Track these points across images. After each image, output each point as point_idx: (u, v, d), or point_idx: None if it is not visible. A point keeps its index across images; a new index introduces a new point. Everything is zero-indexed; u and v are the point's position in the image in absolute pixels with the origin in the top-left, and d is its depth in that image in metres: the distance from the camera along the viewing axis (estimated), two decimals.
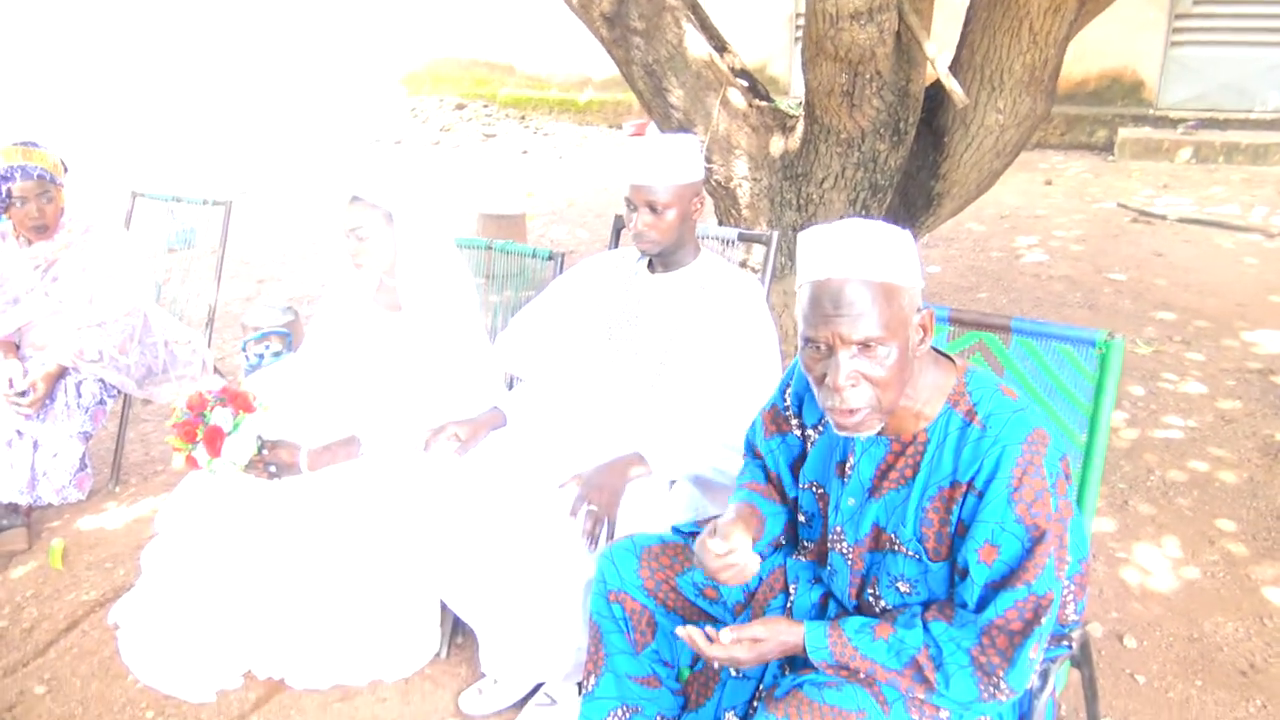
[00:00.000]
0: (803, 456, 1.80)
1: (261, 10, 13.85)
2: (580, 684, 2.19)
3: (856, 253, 1.44)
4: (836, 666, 1.55)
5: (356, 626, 2.43)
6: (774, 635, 1.61)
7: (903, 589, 1.62)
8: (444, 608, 2.50)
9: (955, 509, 1.51)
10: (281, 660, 2.44)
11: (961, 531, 1.50)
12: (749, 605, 1.87)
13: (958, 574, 1.52)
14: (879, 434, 1.57)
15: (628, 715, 1.92)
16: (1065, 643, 1.74)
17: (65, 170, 3.21)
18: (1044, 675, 1.64)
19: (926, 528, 1.55)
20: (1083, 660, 1.97)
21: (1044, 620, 1.44)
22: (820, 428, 1.76)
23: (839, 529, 1.69)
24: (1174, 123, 9.07)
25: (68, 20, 14.10)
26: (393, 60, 13.68)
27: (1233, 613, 2.66)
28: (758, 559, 1.68)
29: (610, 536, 2.08)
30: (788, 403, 1.82)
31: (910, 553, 1.58)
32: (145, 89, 14.08)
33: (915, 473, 1.56)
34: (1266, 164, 8.27)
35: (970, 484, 1.48)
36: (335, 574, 2.41)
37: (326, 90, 13.64)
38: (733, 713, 1.70)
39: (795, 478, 1.83)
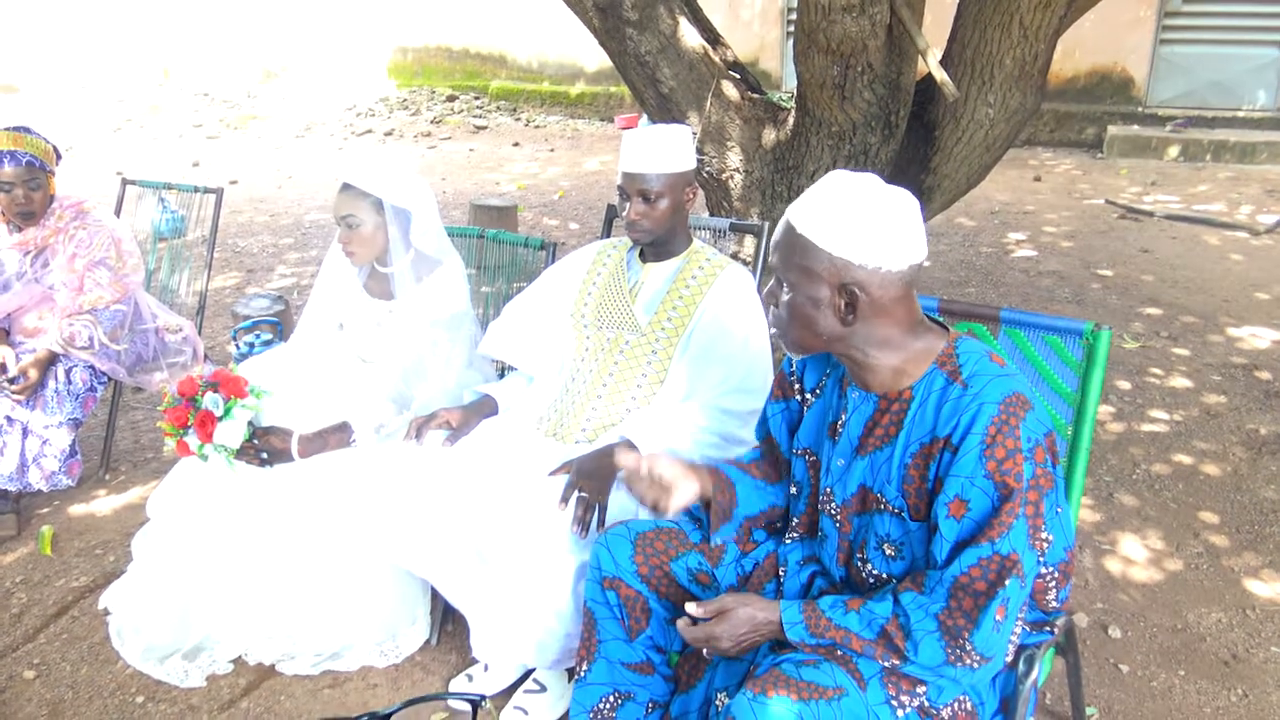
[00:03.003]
0: (801, 423, 1.83)
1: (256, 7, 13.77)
2: (570, 671, 2.21)
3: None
4: (814, 645, 1.57)
5: (347, 613, 2.44)
6: (742, 606, 1.65)
7: (888, 552, 1.65)
8: (434, 595, 2.51)
9: (933, 465, 1.55)
10: (272, 646, 2.45)
11: (938, 488, 1.53)
12: (742, 589, 1.88)
13: (931, 531, 1.55)
14: (869, 391, 1.63)
15: (620, 701, 1.93)
16: (1049, 629, 1.76)
17: (58, 158, 3.20)
18: (1029, 661, 1.66)
19: (908, 485, 1.59)
20: (1067, 648, 2.00)
21: (1008, 582, 1.45)
22: (818, 391, 1.80)
23: (828, 490, 1.73)
24: (1162, 120, 9.13)
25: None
26: (383, 52, 13.63)
27: (1216, 603, 2.69)
28: (694, 488, 1.81)
29: (601, 524, 2.09)
30: (793, 367, 1.86)
31: (895, 510, 1.61)
32: (136, 74, 14.01)
33: (899, 430, 1.60)
34: (1253, 162, 8.33)
35: (947, 440, 1.52)
36: (326, 560, 2.42)
37: (316, 82, 13.58)
38: (724, 694, 1.72)
39: (792, 443, 1.86)
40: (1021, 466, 1.46)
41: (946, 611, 1.49)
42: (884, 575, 1.67)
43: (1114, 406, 3.88)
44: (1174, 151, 8.63)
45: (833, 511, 1.73)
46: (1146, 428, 3.71)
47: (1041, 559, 1.54)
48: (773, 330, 1.66)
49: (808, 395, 1.83)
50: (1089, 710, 2.27)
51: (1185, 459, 3.47)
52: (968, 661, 1.49)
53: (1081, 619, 2.61)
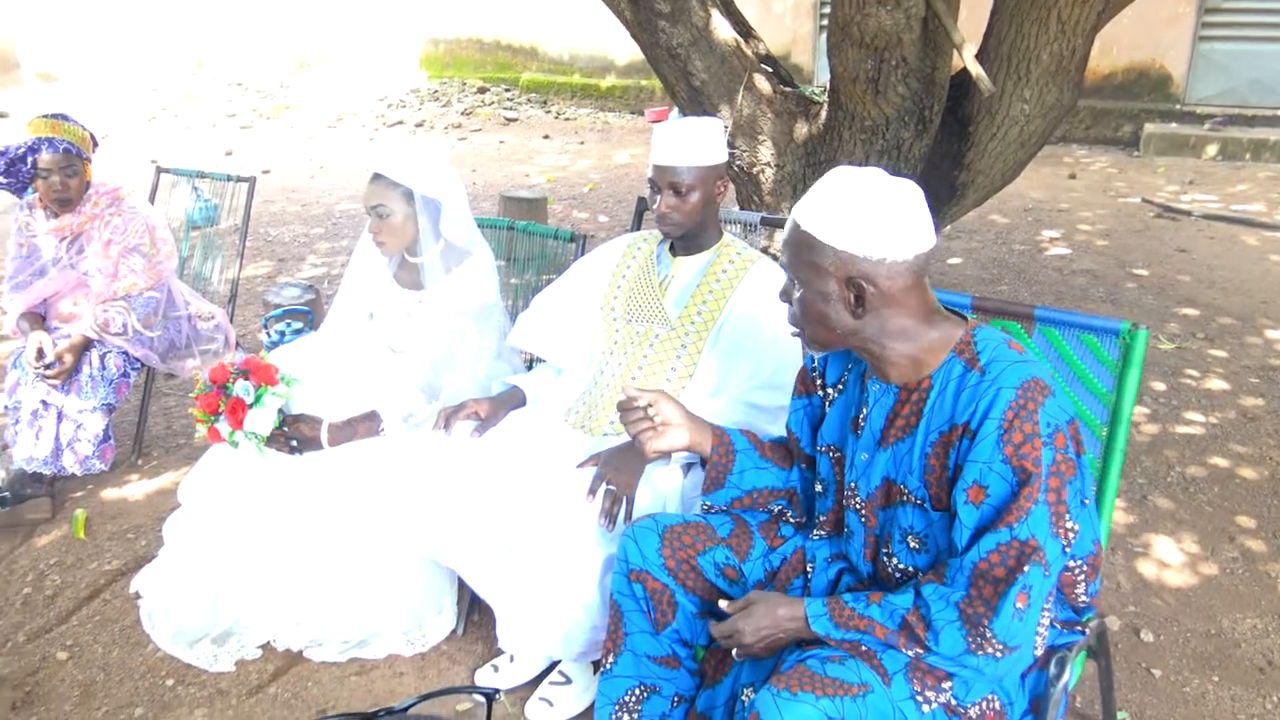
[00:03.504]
0: (823, 419, 1.83)
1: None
2: (595, 663, 2.21)
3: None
4: (840, 637, 1.57)
5: (374, 601, 2.45)
6: (766, 604, 1.67)
7: (913, 545, 1.64)
8: (461, 585, 2.52)
9: (952, 452, 1.54)
10: (300, 633, 2.47)
11: (957, 475, 1.53)
12: (769, 584, 1.88)
13: (951, 519, 1.54)
14: (889, 383, 1.64)
15: (645, 695, 1.93)
16: (1080, 629, 1.73)
17: (95, 145, 3.23)
18: (1060, 664, 1.64)
19: (929, 474, 1.59)
20: (1099, 651, 1.97)
21: (1027, 568, 1.44)
22: (840, 386, 1.80)
23: (853, 485, 1.73)
24: (1201, 118, 8.99)
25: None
26: (415, 44, 13.68)
27: (1251, 609, 2.64)
28: (684, 437, 1.88)
29: (628, 517, 2.09)
30: (815, 363, 1.86)
31: (917, 501, 1.61)
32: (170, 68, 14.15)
33: (919, 419, 1.60)
34: None
35: (966, 426, 1.52)
36: (354, 549, 2.43)
37: (348, 73, 13.66)
38: (750, 689, 1.71)
39: (815, 439, 1.87)
40: (1040, 451, 1.45)
41: (967, 600, 1.48)
42: (910, 569, 1.67)
43: (1149, 408, 3.83)
44: (1212, 150, 8.50)
45: (858, 506, 1.73)
46: (1182, 430, 3.66)
47: (1067, 549, 1.52)
48: (792, 329, 1.68)
49: (830, 391, 1.83)
50: (1120, 715, 2.24)
51: (1221, 462, 3.42)
52: (989, 650, 1.47)
53: (1113, 622, 2.58)
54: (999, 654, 1.48)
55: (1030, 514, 1.44)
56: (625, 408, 1.89)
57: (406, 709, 0.80)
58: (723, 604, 1.75)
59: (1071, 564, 1.66)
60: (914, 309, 1.57)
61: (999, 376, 1.50)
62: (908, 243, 1.53)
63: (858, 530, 1.75)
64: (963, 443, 1.52)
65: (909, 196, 1.55)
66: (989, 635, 1.47)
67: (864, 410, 1.70)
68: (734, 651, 1.72)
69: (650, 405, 1.88)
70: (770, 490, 1.92)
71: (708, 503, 1.94)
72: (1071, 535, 1.52)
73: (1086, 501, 1.60)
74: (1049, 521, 1.46)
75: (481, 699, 0.86)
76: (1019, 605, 1.45)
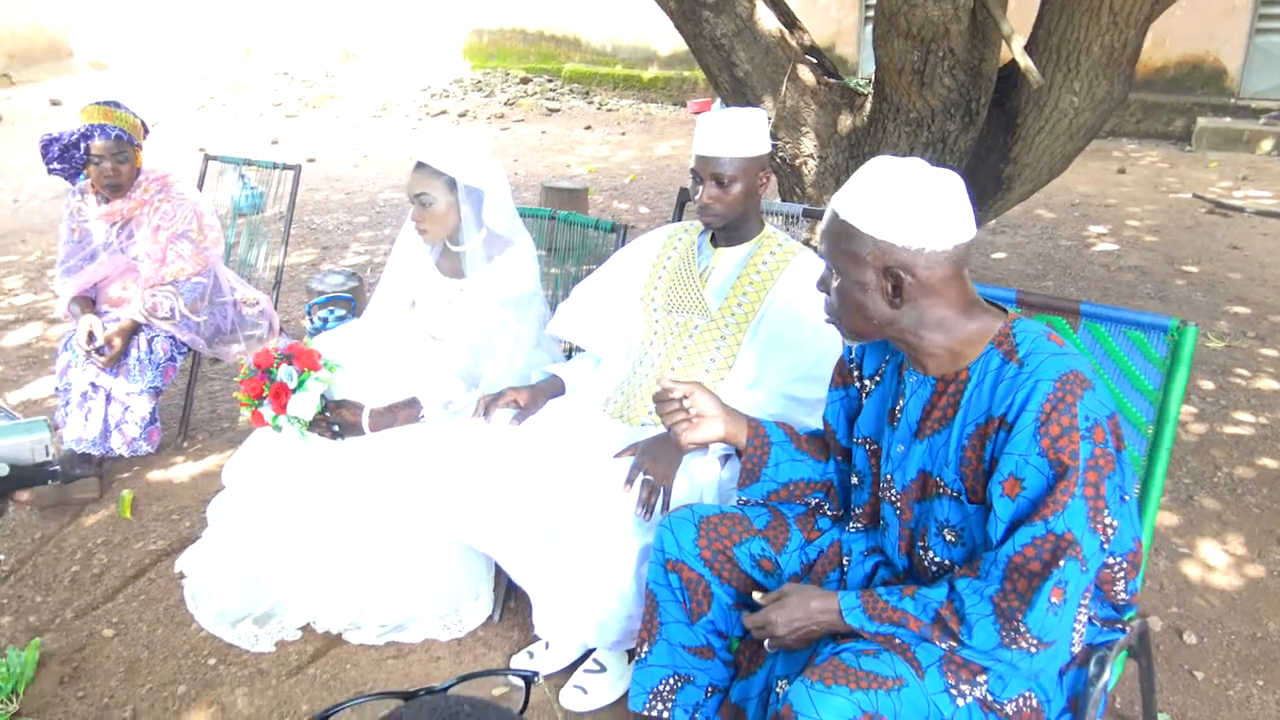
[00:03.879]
0: (860, 411, 1.82)
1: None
2: (630, 652, 2.21)
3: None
4: (874, 630, 1.56)
5: (412, 586, 2.48)
6: (800, 595, 1.67)
7: (949, 538, 1.63)
8: (497, 571, 2.54)
9: (989, 445, 1.53)
10: (339, 615, 2.50)
11: (994, 468, 1.51)
12: (805, 577, 1.87)
13: (986, 512, 1.53)
14: (926, 374, 1.63)
15: (679, 684, 1.93)
16: (1120, 627, 1.71)
17: (146, 132, 3.29)
18: (1100, 663, 1.62)
19: (965, 467, 1.57)
20: (1140, 652, 1.94)
21: (1063, 563, 1.42)
22: (877, 378, 1.79)
23: (889, 477, 1.72)
24: (1256, 113, 8.79)
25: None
26: (459, 34, 13.75)
27: None
28: (719, 429, 1.87)
29: (665, 507, 2.09)
30: (853, 354, 1.85)
31: (953, 494, 1.60)
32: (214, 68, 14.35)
33: (956, 411, 1.58)
34: None
35: (1003, 418, 1.50)
36: (393, 533, 2.46)
37: (392, 63, 13.76)
38: (785, 681, 1.71)
39: (851, 431, 1.86)
40: (1078, 444, 1.43)
41: (1001, 594, 1.47)
42: (946, 562, 1.65)
43: (1196, 407, 3.76)
44: (1267, 145, 8.32)
45: (893, 499, 1.72)
46: (1230, 430, 3.59)
47: (1105, 545, 1.50)
48: (828, 318, 1.67)
49: (867, 383, 1.81)
50: (1161, 716, 2.21)
51: (1271, 463, 3.35)
52: (1022, 644, 1.46)
53: (1156, 623, 2.54)
54: (1033, 649, 1.46)
55: (1067, 508, 1.43)
56: (661, 399, 1.89)
57: (446, 689, 0.80)
58: (756, 595, 1.75)
59: (1111, 561, 1.64)
60: (953, 300, 1.56)
61: (1037, 369, 1.48)
62: (947, 233, 1.52)
63: (893, 523, 1.74)
64: (999, 435, 1.50)
65: (949, 186, 1.53)
66: (1023, 629, 1.45)
67: (900, 402, 1.69)
68: (766, 643, 1.72)
69: (686, 397, 1.87)
70: (807, 483, 1.91)
71: (743, 496, 1.94)
72: (1110, 531, 1.50)
73: (1126, 498, 1.58)
74: (1086, 516, 1.44)
75: (520, 682, 0.86)
76: (1054, 600, 1.43)
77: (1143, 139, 9.11)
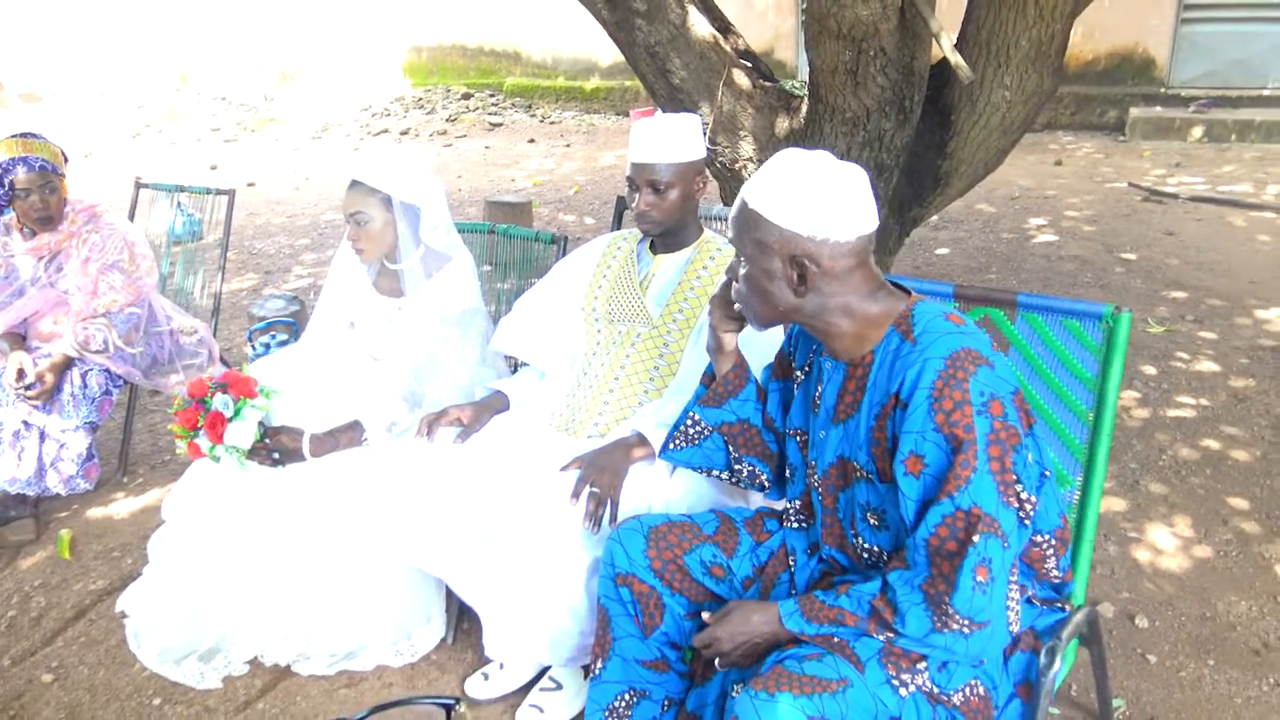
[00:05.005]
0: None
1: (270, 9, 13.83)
2: (586, 668, 2.18)
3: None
4: (815, 632, 1.57)
5: (361, 612, 2.43)
6: (742, 610, 1.69)
7: (873, 521, 1.66)
8: (449, 593, 2.49)
9: (889, 423, 1.56)
10: (287, 647, 2.44)
11: (895, 447, 1.54)
12: (757, 580, 1.86)
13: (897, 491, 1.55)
14: (839, 360, 1.67)
15: (635, 699, 1.91)
16: (1060, 605, 1.74)
17: (66, 160, 3.21)
18: (1050, 653, 1.62)
19: (875, 448, 1.60)
20: (1091, 639, 1.95)
21: (977, 539, 1.44)
22: (806, 369, 1.82)
23: (813, 463, 1.76)
24: (1185, 101, 8.98)
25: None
26: (398, 52, 13.65)
27: (1246, 591, 2.63)
28: (735, 339, 1.85)
29: (613, 519, 2.06)
30: (790, 347, 1.88)
31: (868, 475, 1.63)
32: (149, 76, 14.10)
33: (863, 394, 1.62)
34: (1279, 141, 8.19)
35: (898, 396, 1.54)
36: (340, 560, 2.41)
37: (332, 84, 13.62)
38: (741, 685, 1.69)
39: (785, 423, 1.89)
40: (971, 419, 1.45)
41: (929, 580, 1.49)
42: (875, 548, 1.68)
43: (1139, 392, 3.81)
44: (1198, 132, 8.50)
45: (816, 484, 1.75)
46: (1173, 413, 3.64)
47: (1026, 521, 1.52)
48: (736, 305, 1.71)
49: (797, 374, 1.84)
50: (1116, 702, 2.22)
51: (1213, 444, 3.40)
52: (954, 626, 1.47)
53: (1108, 609, 2.56)
54: (966, 629, 1.47)
55: (970, 483, 1.45)
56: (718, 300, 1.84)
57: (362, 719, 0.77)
58: (705, 616, 1.75)
59: (1039, 539, 1.67)
60: (858, 287, 1.60)
61: (929, 347, 1.52)
62: (851, 224, 1.56)
63: (819, 511, 1.76)
64: (897, 413, 1.54)
65: (854, 180, 1.58)
66: (951, 611, 1.46)
67: (819, 388, 1.73)
68: (716, 661, 1.72)
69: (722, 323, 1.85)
70: (757, 430, 1.92)
71: (695, 414, 1.94)
72: (1030, 507, 1.52)
73: (1047, 473, 1.60)
74: (996, 492, 1.45)
75: (440, 709, 0.83)
76: (979, 579, 1.44)
77: (1078, 131, 9.27)
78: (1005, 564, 1.46)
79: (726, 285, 1.81)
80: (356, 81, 13.55)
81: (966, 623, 1.46)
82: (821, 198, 1.55)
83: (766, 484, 1.96)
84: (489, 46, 13.07)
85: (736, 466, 1.96)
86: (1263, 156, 7.79)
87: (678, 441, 1.99)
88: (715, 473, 2.00)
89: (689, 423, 1.97)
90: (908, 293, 1.65)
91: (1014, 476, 1.48)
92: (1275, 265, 5.26)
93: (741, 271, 1.65)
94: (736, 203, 1.63)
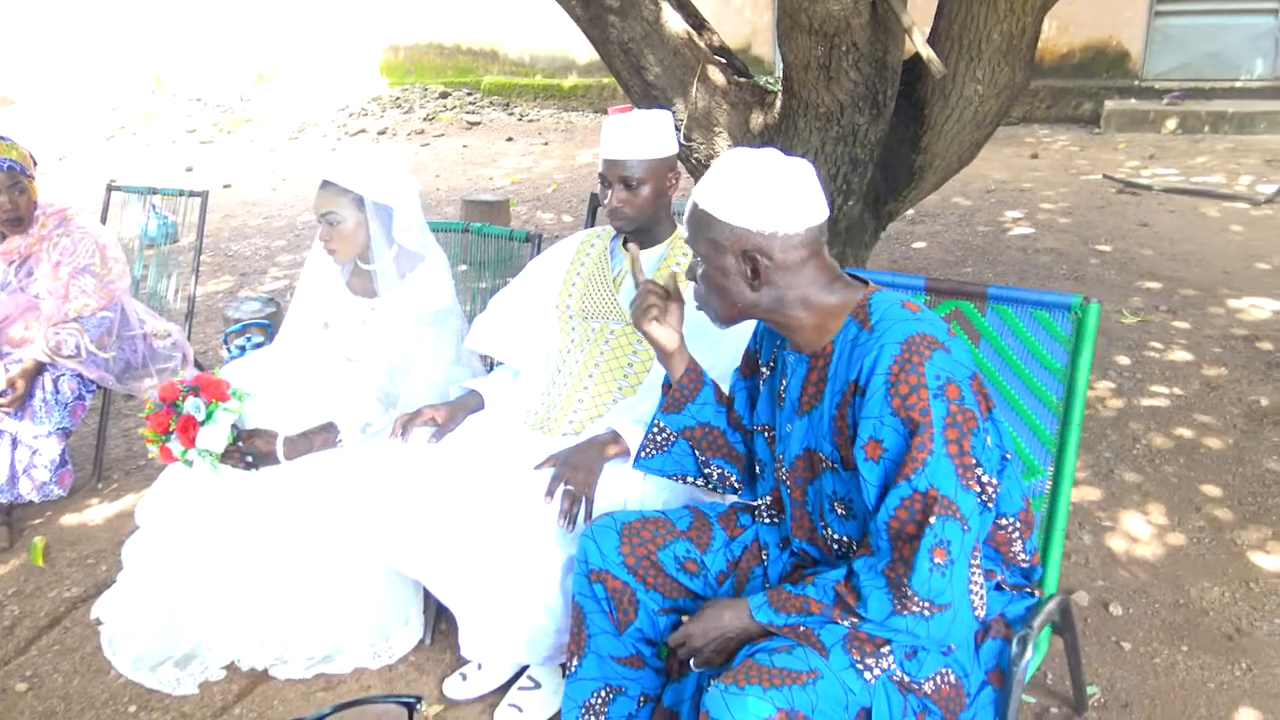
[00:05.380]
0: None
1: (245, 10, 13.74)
2: (564, 666, 2.18)
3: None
4: (783, 622, 1.58)
5: (338, 615, 2.42)
6: (714, 607, 1.70)
7: (840, 511, 1.67)
8: (427, 594, 2.49)
9: (849, 411, 1.58)
10: (264, 651, 2.42)
11: (856, 433, 1.56)
12: (731, 574, 1.87)
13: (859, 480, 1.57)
14: (801, 353, 1.69)
15: (611, 696, 1.91)
16: (1030, 591, 1.75)
17: (35, 163, 3.18)
18: (1022, 642, 1.63)
19: (838, 437, 1.62)
20: (1065, 627, 1.97)
21: (933, 520, 1.45)
22: (771, 365, 1.83)
23: (780, 457, 1.77)
24: (1159, 93, 9.06)
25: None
26: (375, 51, 13.59)
27: (1219, 578, 2.65)
28: (675, 336, 1.88)
29: (588, 517, 2.06)
30: (756, 345, 1.90)
31: (832, 465, 1.65)
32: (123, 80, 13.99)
33: (826, 384, 1.64)
34: (1252, 132, 8.27)
35: (856, 383, 1.56)
36: (316, 562, 2.40)
37: (308, 84, 13.55)
38: (716, 678, 1.70)
39: (753, 420, 1.91)
40: (928, 402, 1.47)
41: (890, 565, 1.51)
42: (845, 538, 1.69)
43: (1113, 382, 3.84)
44: (1172, 124, 8.57)
45: (784, 477, 1.76)
46: (1147, 402, 3.67)
47: (989, 504, 1.54)
48: (697, 304, 1.74)
49: (763, 370, 1.85)
50: (1091, 689, 2.24)
51: (1186, 433, 3.43)
52: (913, 608, 1.48)
53: (1082, 597, 2.58)
54: (926, 612, 1.48)
55: (927, 465, 1.46)
56: (649, 289, 1.87)
57: (322, 718, 0.77)
58: (684, 620, 1.77)
59: (1003, 521, 1.69)
60: (813, 278, 1.62)
61: (885, 334, 1.53)
62: (798, 216, 1.59)
63: (788, 504, 1.77)
64: (856, 400, 1.56)
65: (800, 173, 1.61)
66: (909, 593, 1.48)
67: (784, 382, 1.74)
68: (690, 661, 1.72)
69: (669, 298, 1.87)
70: (721, 432, 1.93)
71: (661, 421, 1.95)
72: (991, 490, 1.53)
73: (1008, 456, 1.62)
74: (954, 474, 1.46)
75: (402, 708, 0.83)
76: (937, 560, 1.46)
77: (1053, 124, 9.33)
78: (965, 547, 1.47)
79: (641, 287, 1.87)
80: (333, 81, 13.48)
81: (926, 605, 1.47)
82: (768, 193, 1.58)
83: (737, 485, 1.97)
84: (466, 45, 13.03)
85: (706, 470, 1.96)
86: (1235, 147, 7.86)
87: (649, 450, 2.00)
88: (690, 480, 2.00)
89: (656, 430, 1.98)
90: (864, 282, 1.67)
91: (973, 460, 1.49)
92: (1248, 255, 5.32)
93: (699, 271, 1.68)
94: (688, 205, 1.66)
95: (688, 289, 2.04)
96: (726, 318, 1.70)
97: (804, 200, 1.59)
